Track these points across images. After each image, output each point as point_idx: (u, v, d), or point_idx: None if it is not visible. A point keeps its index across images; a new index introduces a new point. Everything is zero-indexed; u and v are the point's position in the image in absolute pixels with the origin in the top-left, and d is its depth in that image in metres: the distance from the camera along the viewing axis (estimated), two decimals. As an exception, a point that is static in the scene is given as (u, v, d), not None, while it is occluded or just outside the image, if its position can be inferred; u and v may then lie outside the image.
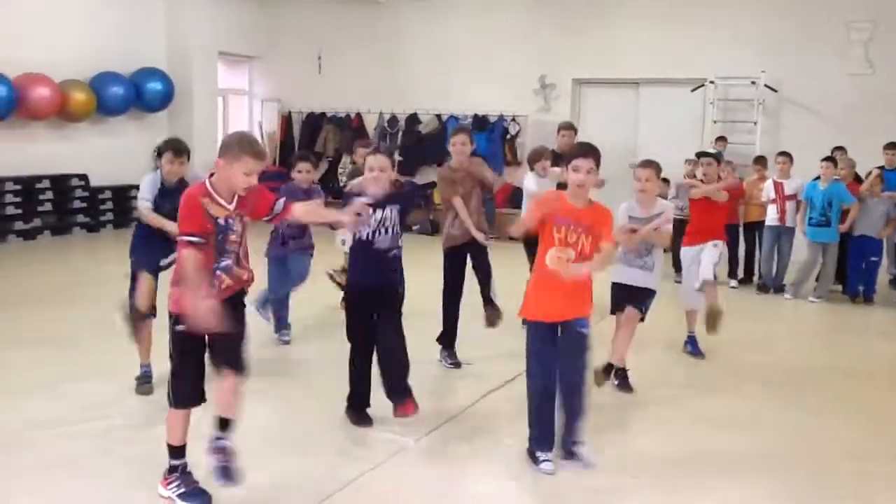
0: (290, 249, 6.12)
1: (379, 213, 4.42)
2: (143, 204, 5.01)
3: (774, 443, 4.59)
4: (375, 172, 4.43)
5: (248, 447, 4.04)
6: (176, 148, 4.98)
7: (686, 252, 6.45)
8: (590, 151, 4.08)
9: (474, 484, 3.99)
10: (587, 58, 12.43)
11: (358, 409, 4.62)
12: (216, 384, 3.59)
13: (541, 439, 4.12)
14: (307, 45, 14.14)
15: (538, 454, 4.11)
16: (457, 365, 5.78)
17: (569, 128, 8.45)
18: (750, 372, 6.03)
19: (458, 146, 5.72)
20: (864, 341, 7.39)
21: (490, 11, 12.99)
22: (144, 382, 5.03)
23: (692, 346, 6.35)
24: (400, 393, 4.40)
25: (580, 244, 3.99)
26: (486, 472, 4.10)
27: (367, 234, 4.46)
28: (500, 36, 12.92)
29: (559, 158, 8.24)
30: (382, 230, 4.47)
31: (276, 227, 5.99)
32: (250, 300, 4.78)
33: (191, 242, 3.41)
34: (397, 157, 13.63)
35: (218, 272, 3.54)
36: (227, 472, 3.53)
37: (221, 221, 3.52)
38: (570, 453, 4.12)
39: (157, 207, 4.97)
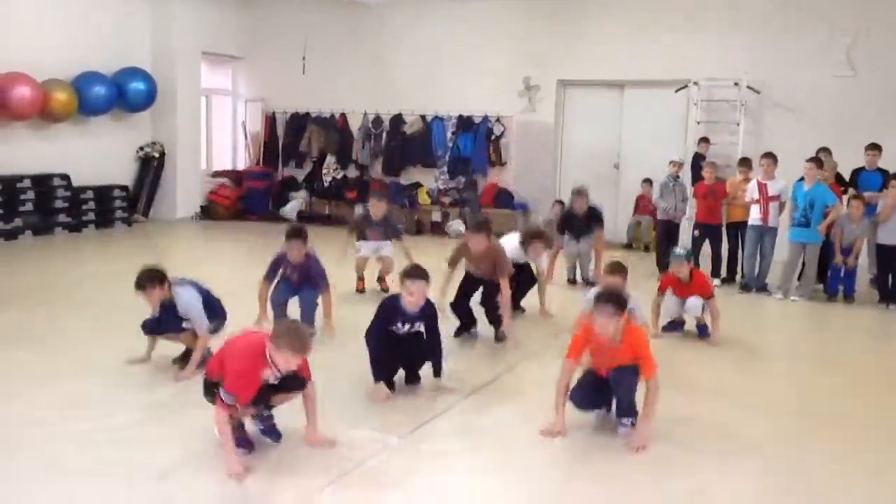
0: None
1: (408, 326, 5.03)
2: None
3: (753, 441, 4.62)
4: (415, 298, 4.90)
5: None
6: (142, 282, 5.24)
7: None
8: (608, 300, 4.33)
9: (461, 479, 3.99)
10: (572, 59, 12.46)
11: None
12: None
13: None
14: (291, 45, 14.09)
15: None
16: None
17: (580, 194, 8.90)
18: (733, 369, 6.06)
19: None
20: (846, 339, 7.46)
21: (475, 12, 13.00)
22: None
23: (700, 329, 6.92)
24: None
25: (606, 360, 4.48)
26: (471, 468, 4.10)
27: (395, 335, 5.04)
28: (485, 37, 12.94)
29: (571, 219, 8.90)
30: (406, 333, 5.07)
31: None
32: None
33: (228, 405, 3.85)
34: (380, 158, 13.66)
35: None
36: (271, 430, 4.21)
37: (271, 380, 3.99)
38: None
39: (161, 324, 5.34)
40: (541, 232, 7.46)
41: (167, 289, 5.23)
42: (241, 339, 4.10)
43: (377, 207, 8.29)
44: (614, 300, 4.32)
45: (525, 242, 7.10)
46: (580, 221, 8.84)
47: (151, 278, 5.20)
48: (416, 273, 4.97)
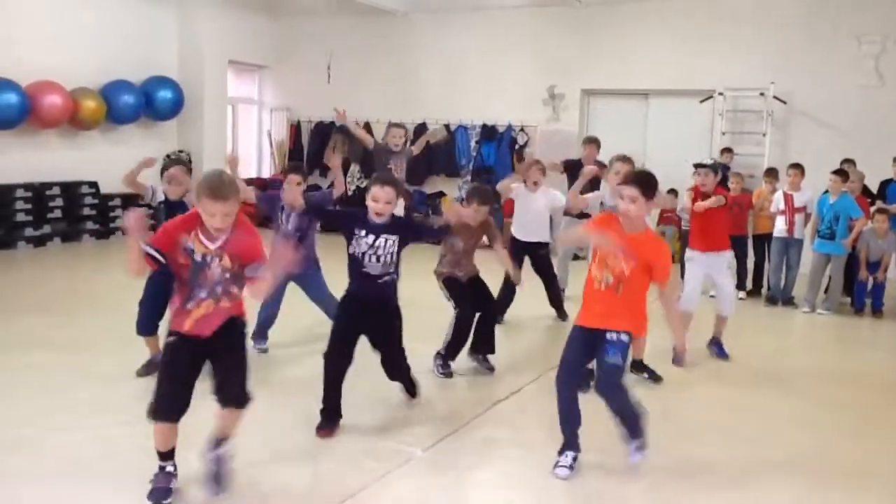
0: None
1: (371, 237, 4.45)
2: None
3: (781, 454, 4.57)
4: (380, 205, 4.42)
5: (253, 457, 4.04)
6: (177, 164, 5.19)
7: (692, 256, 6.51)
8: (634, 179, 4.05)
9: (482, 494, 3.98)
10: (596, 68, 12.44)
11: (328, 412, 4.54)
12: (216, 410, 3.64)
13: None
14: (317, 55, 14.19)
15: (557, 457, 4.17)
16: (448, 375, 5.71)
17: (591, 142, 8.86)
18: (761, 381, 6.00)
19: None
20: (872, 354, 7.36)
21: (499, 21, 13.02)
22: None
23: (718, 348, 6.51)
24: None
25: (618, 268, 4.00)
26: (493, 483, 4.09)
27: (359, 253, 4.49)
28: (510, 46, 12.95)
29: (579, 167, 8.50)
30: (373, 257, 4.48)
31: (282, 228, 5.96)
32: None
33: (149, 255, 3.50)
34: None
35: (189, 304, 3.57)
36: (216, 479, 3.66)
37: (198, 258, 3.54)
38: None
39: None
40: (529, 162, 7.64)
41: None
42: None
43: (396, 135, 8.11)
44: (643, 180, 4.02)
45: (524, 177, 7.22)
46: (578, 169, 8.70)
47: (183, 163, 5.12)
48: (385, 179, 4.51)
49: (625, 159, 6.03)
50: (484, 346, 5.85)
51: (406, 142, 8.37)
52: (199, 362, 3.62)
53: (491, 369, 5.83)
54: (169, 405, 3.57)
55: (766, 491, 4.11)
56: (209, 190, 3.44)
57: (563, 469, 4.11)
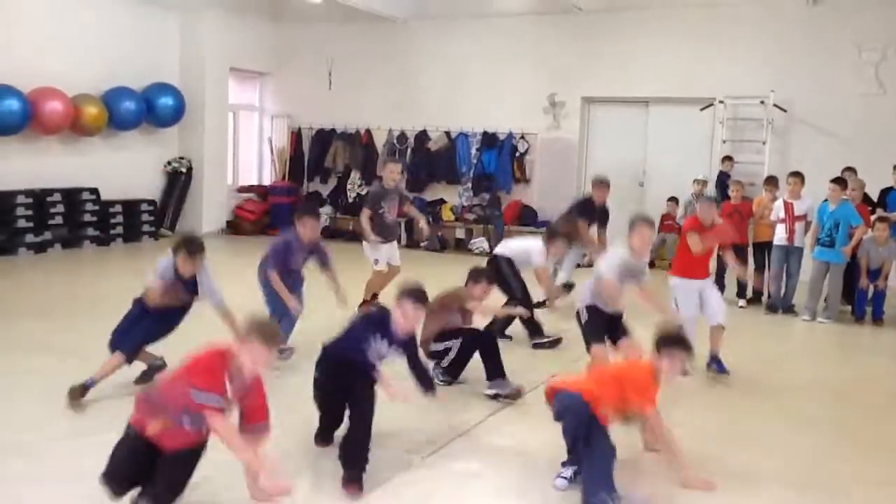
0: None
1: (384, 347, 4.33)
2: (151, 279, 5.25)
3: (784, 461, 4.57)
4: (409, 323, 4.36)
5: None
6: (190, 248, 5.11)
7: (681, 284, 6.43)
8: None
9: (481, 502, 3.97)
10: (597, 76, 12.47)
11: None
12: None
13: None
14: (318, 62, 14.22)
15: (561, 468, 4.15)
16: (448, 382, 5.71)
17: (603, 184, 8.88)
18: (761, 390, 5.99)
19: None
20: (873, 360, 7.36)
21: (500, 29, 13.05)
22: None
23: (717, 365, 6.34)
24: (349, 473, 4.00)
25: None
26: (492, 491, 4.08)
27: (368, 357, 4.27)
28: (510, 54, 12.98)
29: (591, 209, 8.86)
30: (378, 359, 4.34)
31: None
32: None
33: (215, 408, 3.33)
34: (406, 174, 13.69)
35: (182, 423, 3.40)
36: None
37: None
38: None
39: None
40: (564, 231, 7.68)
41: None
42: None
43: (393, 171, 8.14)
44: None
45: (553, 236, 7.30)
46: (594, 212, 8.85)
47: (202, 247, 5.16)
48: (418, 295, 4.40)
49: None
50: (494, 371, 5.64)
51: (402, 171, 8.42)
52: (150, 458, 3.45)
53: (517, 393, 5.53)
54: (119, 477, 3.44)
55: (765, 497, 4.10)
56: (269, 338, 3.44)
57: (563, 480, 4.10)
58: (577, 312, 5.65)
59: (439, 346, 5.74)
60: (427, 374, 4.61)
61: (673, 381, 4.19)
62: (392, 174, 8.11)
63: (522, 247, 7.40)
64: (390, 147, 13.83)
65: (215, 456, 3.55)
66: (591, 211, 8.83)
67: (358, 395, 4.17)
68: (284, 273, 6.07)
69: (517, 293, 7.12)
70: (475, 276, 6.08)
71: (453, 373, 5.75)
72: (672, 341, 4.07)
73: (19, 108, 10.32)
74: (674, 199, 11.83)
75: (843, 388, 6.32)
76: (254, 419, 3.56)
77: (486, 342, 5.77)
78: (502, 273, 7.07)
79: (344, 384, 4.22)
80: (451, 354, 5.71)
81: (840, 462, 4.67)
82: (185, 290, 5.21)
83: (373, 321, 4.39)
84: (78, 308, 7.75)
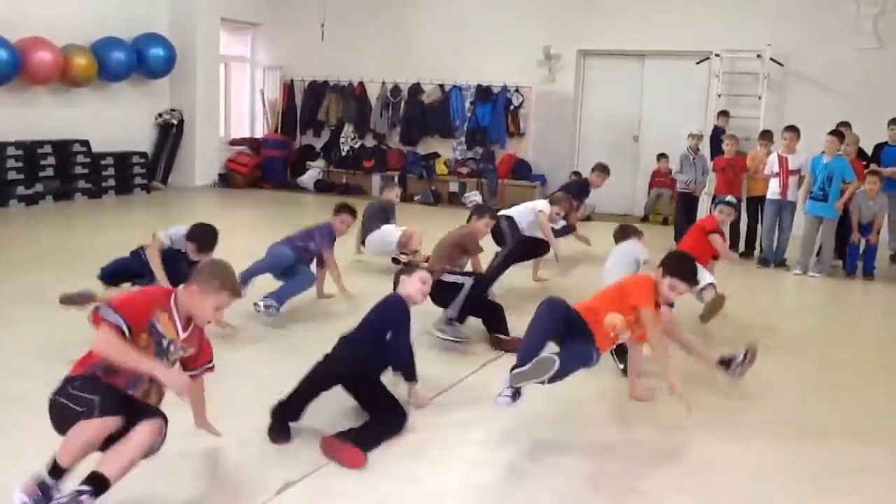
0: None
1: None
2: (162, 235, 5.52)
3: (770, 413, 4.63)
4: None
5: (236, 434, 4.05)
6: (202, 242, 5.44)
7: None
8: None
9: (473, 451, 4.03)
10: (592, 29, 12.34)
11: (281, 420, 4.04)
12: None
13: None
14: (310, 13, 14.00)
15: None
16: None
17: (603, 171, 8.95)
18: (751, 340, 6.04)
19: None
20: (864, 314, 7.43)
21: (495, -20, 12.87)
22: None
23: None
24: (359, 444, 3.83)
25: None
26: (484, 440, 4.13)
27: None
28: (505, 6, 12.82)
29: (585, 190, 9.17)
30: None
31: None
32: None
33: (114, 325, 3.10)
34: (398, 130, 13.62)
35: (131, 390, 3.21)
36: None
37: (164, 343, 3.26)
38: None
39: (169, 262, 5.43)
40: (559, 198, 7.76)
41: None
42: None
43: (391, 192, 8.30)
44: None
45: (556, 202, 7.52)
46: (586, 197, 9.28)
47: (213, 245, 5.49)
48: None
49: None
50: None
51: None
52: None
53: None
54: (115, 405, 3.05)
55: (756, 450, 4.17)
56: (235, 287, 3.40)
57: (505, 399, 3.83)
58: None
59: (450, 279, 5.69)
60: (412, 363, 4.45)
61: (663, 301, 4.39)
62: (390, 192, 8.26)
63: (526, 205, 7.65)
64: (384, 100, 13.71)
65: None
66: (585, 196, 9.29)
67: (383, 403, 4.09)
68: (302, 249, 6.29)
69: (510, 244, 7.24)
70: (479, 210, 6.58)
71: (461, 317, 5.68)
72: (679, 272, 4.30)
73: (7, 57, 10.17)
74: (664, 156, 11.81)
75: (834, 339, 6.37)
76: (201, 360, 3.51)
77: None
78: (500, 228, 7.19)
79: (354, 389, 4.15)
80: (463, 293, 5.61)
81: (834, 412, 4.74)
82: (187, 265, 5.28)
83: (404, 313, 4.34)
84: (71, 260, 7.72)
